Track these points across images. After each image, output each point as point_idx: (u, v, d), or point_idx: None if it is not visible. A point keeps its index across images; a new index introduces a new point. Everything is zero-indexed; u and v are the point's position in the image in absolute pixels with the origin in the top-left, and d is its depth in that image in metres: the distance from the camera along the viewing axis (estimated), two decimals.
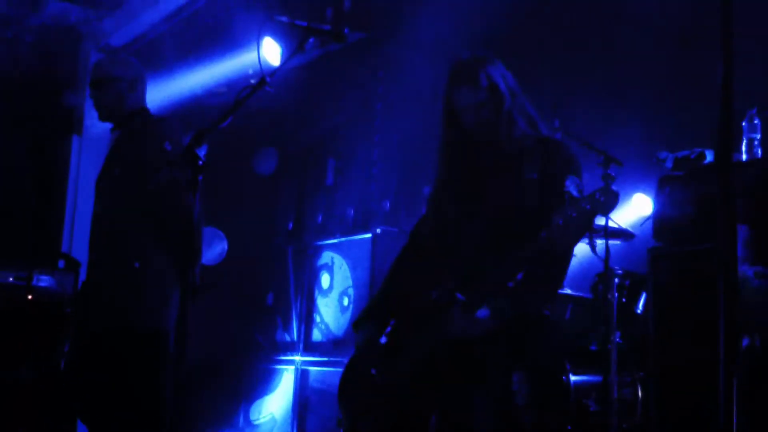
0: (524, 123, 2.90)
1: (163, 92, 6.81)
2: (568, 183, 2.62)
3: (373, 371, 2.97)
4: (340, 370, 5.59)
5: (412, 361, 2.85)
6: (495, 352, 2.76)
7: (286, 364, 6.18)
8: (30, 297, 5.89)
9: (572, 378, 4.43)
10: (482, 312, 2.69)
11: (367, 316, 3.10)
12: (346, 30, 3.26)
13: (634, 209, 5.19)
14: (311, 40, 3.32)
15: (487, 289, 2.69)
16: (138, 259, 3.69)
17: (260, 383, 6.35)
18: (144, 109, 4.00)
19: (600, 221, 4.70)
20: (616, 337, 4.55)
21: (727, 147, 1.98)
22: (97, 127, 4.22)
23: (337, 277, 5.93)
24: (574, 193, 2.57)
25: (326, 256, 6.06)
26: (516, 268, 2.65)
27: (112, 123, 4.02)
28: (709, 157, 4.05)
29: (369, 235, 5.69)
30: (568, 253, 2.83)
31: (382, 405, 2.92)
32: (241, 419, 6.38)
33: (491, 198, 2.87)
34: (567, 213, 2.49)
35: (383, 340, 3.01)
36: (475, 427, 2.75)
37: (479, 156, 2.95)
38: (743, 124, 3.84)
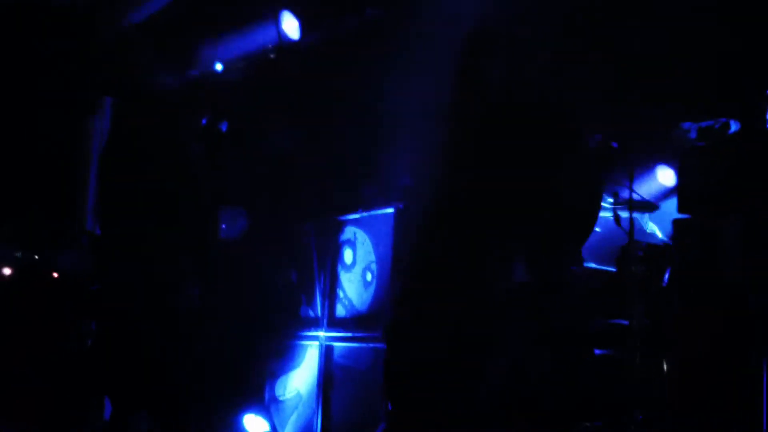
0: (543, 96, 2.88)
1: (181, 68, 6.80)
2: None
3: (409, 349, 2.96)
4: (364, 345, 5.67)
5: (444, 334, 2.83)
6: (514, 315, 2.73)
7: (311, 340, 6.19)
8: (55, 275, 5.93)
9: (596, 352, 4.40)
10: (517, 266, 2.66)
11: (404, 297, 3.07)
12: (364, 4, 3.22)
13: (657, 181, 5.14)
14: (328, 13, 3.29)
15: (516, 247, 2.65)
16: (151, 237, 3.69)
17: (285, 359, 6.36)
18: (152, 85, 3.96)
19: (623, 193, 4.67)
20: (640, 311, 4.52)
21: (754, 116, 1.94)
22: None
23: (360, 252, 5.92)
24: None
25: (349, 232, 6.05)
26: (534, 230, 2.61)
27: (117, 97, 4.00)
28: (734, 127, 3.99)
29: (391, 210, 5.67)
30: (587, 214, 2.78)
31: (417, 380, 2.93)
32: (267, 395, 6.41)
33: (509, 169, 2.83)
34: (576, 172, 2.48)
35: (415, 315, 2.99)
36: (483, 393, 2.73)
37: (499, 125, 2.91)
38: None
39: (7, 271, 5.69)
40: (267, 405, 6.38)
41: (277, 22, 6.31)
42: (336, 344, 5.99)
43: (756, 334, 1.87)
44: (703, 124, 4.04)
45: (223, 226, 6.63)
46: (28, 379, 5.52)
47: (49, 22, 7.42)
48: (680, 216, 4.09)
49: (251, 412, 6.32)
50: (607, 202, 4.84)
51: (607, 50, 5.30)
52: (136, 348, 3.68)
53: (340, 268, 6.10)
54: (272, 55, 6.24)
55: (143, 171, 3.76)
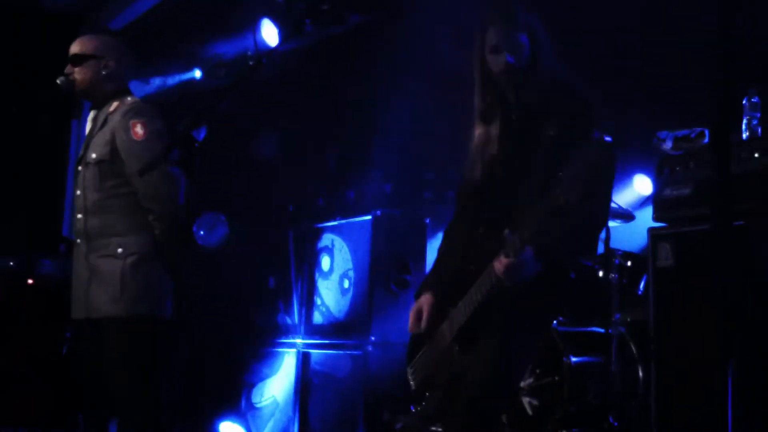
0: (553, 74, 2.90)
1: (161, 75, 6.80)
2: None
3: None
4: (341, 352, 5.67)
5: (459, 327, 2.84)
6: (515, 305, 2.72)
7: (288, 347, 6.18)
8: (31, 282, 5.91)
9: (572, 359, 4.42)
10: (526, 254, 2.62)
11: (426, 285, 3.08)
12: (345, 12, 3.22)
13: (634, 190, 5.17)
14: (308, 21, 3.30)
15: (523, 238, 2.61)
16: (120, 246, 3.66)
17: (262, 366, 6.35)
18: (123, 91, 3.92)
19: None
20: (616, 319, 4.55)
21: (723, 126, 1.96)
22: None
23: (338, 259, 5.92)
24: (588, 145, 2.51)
25: (327, 239, 6.05)
26: (535, 223, 2.57)
27: (89, 101, 3.98)
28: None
29: (369, 218, 5.67)
30: (586, 209, 2.69)
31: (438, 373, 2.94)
32: (243, 402, 6.39)
33: (517, 154, 2.85)
34: (573, 164, 2.45)
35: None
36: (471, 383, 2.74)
37: (510, 106, 2.93)
38: (744, 102, 3.81)
39: None
40: (244, 412, 6.36)
41: (255, 29, 6.32)
42: (313, 351, 5.99)
43: (725, 337, 1.89)
44: (679, 133, 4.07)
45: (201, 232, 6.61)
46: (28, 379, 5.51)
47: (31, 26, 7.39)
48: (656, 224, 4.13)
49: (228, 419, 6.31)
50: None
51: (580, 59, 5.34)
52: (109, 355, 3.66)
53: (317, 275, 6.10)
54: (251, 62, 6.24)
55: (104, 177, 3.74)
